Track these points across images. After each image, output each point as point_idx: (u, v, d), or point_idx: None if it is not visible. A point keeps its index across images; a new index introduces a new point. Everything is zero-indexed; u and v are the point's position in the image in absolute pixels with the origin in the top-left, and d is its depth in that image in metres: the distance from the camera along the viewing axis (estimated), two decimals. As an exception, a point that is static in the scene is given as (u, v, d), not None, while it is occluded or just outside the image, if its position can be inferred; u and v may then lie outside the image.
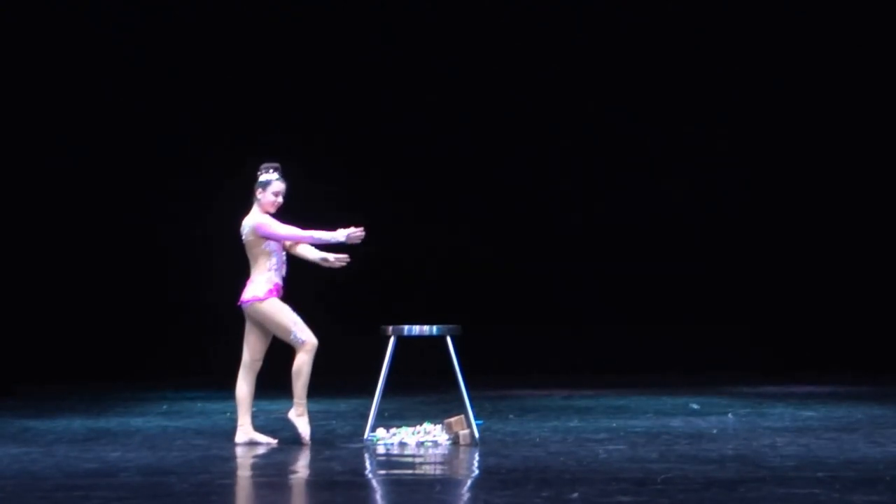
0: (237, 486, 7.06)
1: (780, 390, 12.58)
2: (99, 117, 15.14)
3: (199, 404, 11.43)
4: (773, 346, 15.31)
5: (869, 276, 15.35)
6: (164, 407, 11.23)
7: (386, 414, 9.25)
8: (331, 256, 8.53)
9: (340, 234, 8.48)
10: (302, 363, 8.38)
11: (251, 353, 8.54)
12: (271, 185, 8.55)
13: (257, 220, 8.48)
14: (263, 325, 8.46)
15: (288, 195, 8.57)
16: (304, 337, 8.38)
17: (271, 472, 7.51)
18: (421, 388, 12.06)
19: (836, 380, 13.53)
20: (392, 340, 8.51)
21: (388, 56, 15.47)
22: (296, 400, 8.42)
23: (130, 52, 15.07)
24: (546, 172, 15.70)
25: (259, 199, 8.54)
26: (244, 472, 7.53)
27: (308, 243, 8.56)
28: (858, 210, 15.41)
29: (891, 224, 15.31)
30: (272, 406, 10.99)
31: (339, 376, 12.09)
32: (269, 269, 8.47)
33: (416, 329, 8.54)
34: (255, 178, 8.57)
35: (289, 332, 8.38)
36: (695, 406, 10.91)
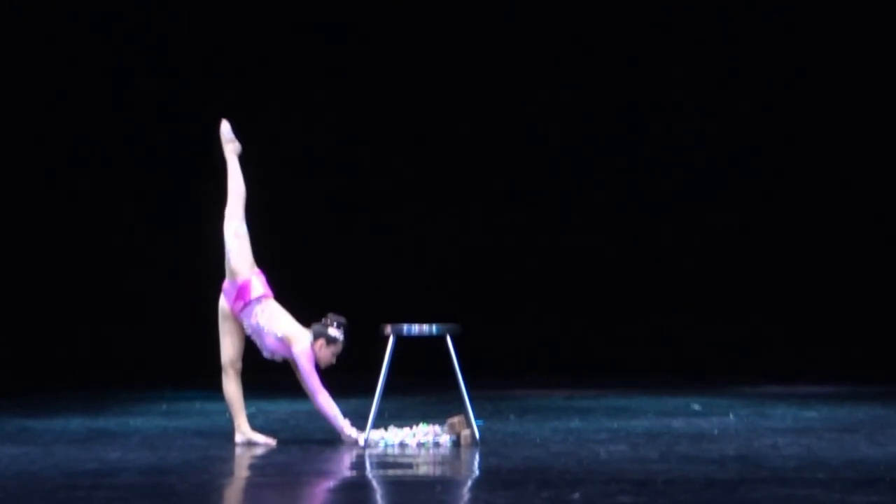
0: (237, 486, 7.05)
1: (781, 390, 12.57)
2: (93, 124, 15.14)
3: (197, 404, 11.42)
4: (774, 346, 15.30)
5: (871, 275, 15.32)
6: (164, 407, 11.21)
7: (386, 414, 9.24)
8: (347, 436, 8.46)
9: (346, 428, 8.39)
10: (241, 185, 8.75)
11: (227, 354, 8.52)
12: (336, 346, 8.44)
13: (308, 351, 8.33)
14: (237, 324, 8.44)
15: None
16: (235, 219, 8.54)
17: (271, 472, 7.50)
18: (421, 388, 12.05)
19: (838, 380, 13.51)
20: (391, 339, 8.49)
21: (387, 54, 15.45)
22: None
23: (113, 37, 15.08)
24: (547, 169, 15.67)
25: (316, 347, 8.37)
26: (244, 473, 7.52)
27: (319, 409, 8.42)
28: (861, 210, 15.39)
29: (893, 223, 15.30)
30: (271, 407, 10.98)
31: (339, 376, 12.08)
32: (254, 309, 8.45)
33: (416, 328, 8.52)
34: (321, 321, 8.42)
35: (237, 231, 8.48)
36: (696, 406, 10.90)
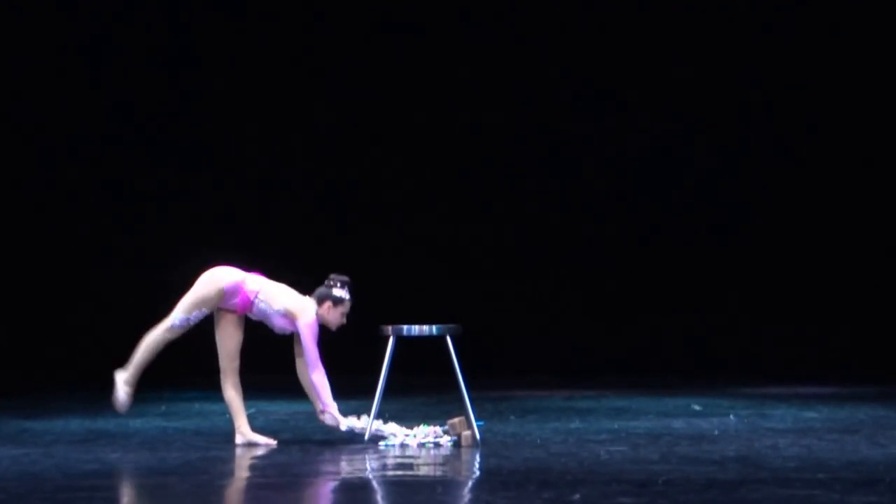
0: (237, 487, 7.04)
1: (782, 391, 12.57)
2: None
3: (197, 405, 11.42)
4: (774, 346, 15.29)
5: (872, 276, 15.32)
6: (163, 408, 11.21)
7: (387, 415, 9.23)
8: (327, 418, 8.44)
9: (332, 407, 8.38)
10: (158, 339, 8.41)
11: (226, 354, 8.50)
12: (343, 305, 8.45)
13: (311, 321, 8.33)
14: (233, 323, 8.43)
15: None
16: (176, 323, 8.37)
17: (271, 473, 7.49)
18: (421, 389, 12.04)
19: (839, 381, 13.51)
20: (391, 340, 8.49)
21: (385, 51, 15.45)
22: (132, 368, 8.48)
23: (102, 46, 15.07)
24: (548, 170, 15.67)
25: (323, 311, 8.41)
26: (244, 474, 7.51)
27: (313, 384, 8.41)
28: (862, 210, 15.39)
29: (893, 224, 15.30)
30: (271, 407, 10.98)
31: (339, 376, 12.09)
32: (256, 298, 8.41)
33: (416, 329, 8.52)
34: (325, 283, 8.43)
35: (180, 312, 8.36)
36: (697, 407, 10.90)
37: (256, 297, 8.41)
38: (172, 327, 8.42)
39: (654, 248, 15.58)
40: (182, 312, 8.41)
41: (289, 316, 8.39)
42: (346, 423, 8.42)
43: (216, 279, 8.43)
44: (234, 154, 15.16)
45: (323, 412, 8.46)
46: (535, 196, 15.69)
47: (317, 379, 8.40)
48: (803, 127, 15.45)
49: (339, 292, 8.45)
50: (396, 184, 15.55)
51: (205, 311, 8.41)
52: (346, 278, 8.50)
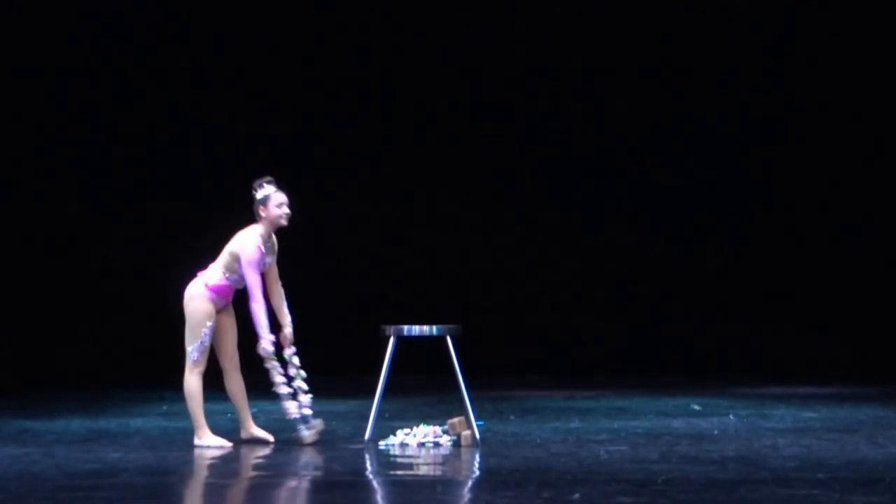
0: (237, 486, 7.05)
1: (781, 391, 12.58)
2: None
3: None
4: (775, 346, 15.29)
5: (872, 276, 15.32)
6: (164, 407, 11.22)
7: (387, 415, 9.25)
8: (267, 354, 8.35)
9: (265, 339, 8.27)
10: (193, 385, 8.33)
11: (223, 353, 8.51)
12: (272, 199, 8.44)
13: (250, 252, 8.31)
14: (225, 324, 8.44)
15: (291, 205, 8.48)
16: (195, 355, 8.33)
17: (272, 472, 7.51)
18: (421, 389, 12.05)
19: (838, 381, 13.52)
20: (392, 340, 8.50)
21: (386, 53, 15.45)
22: (196, 423, 8.38)
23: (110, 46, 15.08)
24: (548, 170, 15.67)
25: (264, 217, 8.43)
26: (244, 473, 7.52)
27: (250, 313, 8.31)
28: (861, 211, 15.39)
29: (892, 224, 15.30)
30: (272, 407, 10.98)
31: (339, 377, 12.10)
32: (227, 277, 8.41)
33: (416, 329, 8.53)
34: (252, 198, 8.46)
35: (191, 341, 8.35)
36: (696, 407, 10.91)
37: (223, 277, 8.41)
38: (196, 362, 8.37)
39: (654, 248, 15.57)
40: (193, 342, 8.38)
41: (238, 259, 8.36)
42: (272, 362, 8.33)
43: (195, 296, 8.41)
44: (235, 157, 15.16)
45: (258, 342, 8.40)
46: (534, 196, 15.68)
47: (253, 308, 8.29)
48: (803, 127, 15.45)
49: (262, 192, 8.45)
50: (396, 184, 15.54)
51: (209, 324, 8.37)
52: (265, 177, 8.49)
